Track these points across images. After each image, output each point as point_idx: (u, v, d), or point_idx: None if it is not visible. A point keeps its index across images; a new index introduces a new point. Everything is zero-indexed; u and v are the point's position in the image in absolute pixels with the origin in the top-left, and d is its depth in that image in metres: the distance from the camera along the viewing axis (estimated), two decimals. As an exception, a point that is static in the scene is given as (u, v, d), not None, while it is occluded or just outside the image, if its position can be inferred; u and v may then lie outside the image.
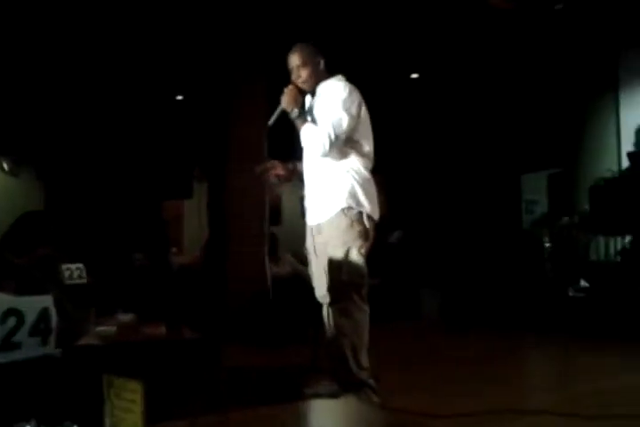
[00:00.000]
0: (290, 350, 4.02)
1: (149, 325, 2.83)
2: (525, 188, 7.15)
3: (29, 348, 1.43)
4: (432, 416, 2.40)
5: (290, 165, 2.81)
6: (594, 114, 6.49)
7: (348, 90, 2.60)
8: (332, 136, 2.52)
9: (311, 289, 2.72)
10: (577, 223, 5.73)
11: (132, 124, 8.06)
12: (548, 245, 5.83)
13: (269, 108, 2.82)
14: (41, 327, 1.44)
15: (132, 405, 1.25)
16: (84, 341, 2.33)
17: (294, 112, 2.65)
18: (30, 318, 1.42)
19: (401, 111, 7.62)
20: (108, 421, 1.33)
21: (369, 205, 2.59)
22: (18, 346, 1.43)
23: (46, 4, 5.06)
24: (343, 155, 2.61)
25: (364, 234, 2.57)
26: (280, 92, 2.70)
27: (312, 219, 2.70)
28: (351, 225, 2.55)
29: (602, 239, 5.69)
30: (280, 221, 7.69)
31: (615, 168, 5.86)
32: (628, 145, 5.96)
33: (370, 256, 2.63)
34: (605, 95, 6.39)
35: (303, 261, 3.69)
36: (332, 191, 2.60)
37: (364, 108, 2.65)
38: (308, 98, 2.78)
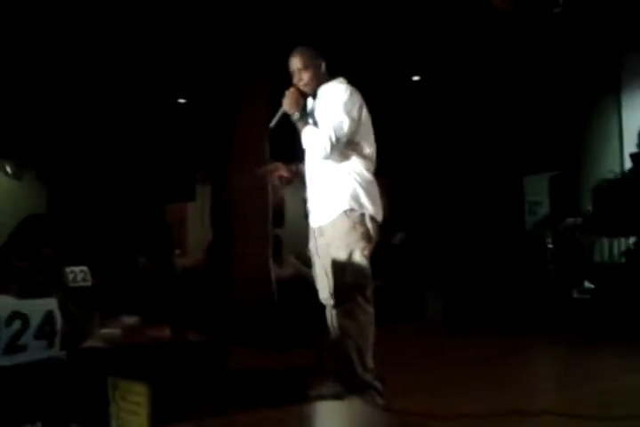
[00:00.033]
0: (294, 353, 4.02)
1: (154, 327, 2.83)
2: (528, 189, 7.15)
3: (35, 351, 1.44)
4: (436, 418, 2.40)
5: (293, 167, 2.82)
6: (596, 116, 6.48)
7: (348, 92, 2.61)
8: (333, 139, 2.53)
9: (315, 291, 2.72)
10: (580, 225, 5.72)
11: (134, 127, 8.08)
12: (551, 246, 5.82)
13: (271, 109, 2.83)
14: (46, 330, 1.45)
15: (138, 407, 1.26)
16: (88, 343, 2.34)
17: (295, 115, 2.66)
18: (35, 321, 1.43)
19: (403, 114, 7.63)
20: (113, 423, 1.33)
21: (371, 207, 2.59)
22: (23, 349, 1.43)
23: (50, 8, 5.08)
24: (344, 157, 2.62)
25: (367, 236, 2.57)
26: (282, 94, 2.71)
27: (315, 221, 2.71)
28: (353, 227, 2.55)
29: (605, 240, 5.68)
30: (283, 223, 7.70)
31: (618, 169, 5.85)
32: (630, 146, 5.95)
33: (373, 258, 2.64)
34: (608, 97, 6.39)
35: (307, 262, 3.70)
36: (334, 193, 2.60)
37: (364, 111, 2.66)
38: (309, 100, 2.78)
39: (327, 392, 2.55)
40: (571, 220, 5.85)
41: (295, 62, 2.71)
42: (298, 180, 2.87)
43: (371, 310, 2.57)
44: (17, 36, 5.62)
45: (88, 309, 2.62)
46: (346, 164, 2.62)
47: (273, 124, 2.72)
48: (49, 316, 1.45)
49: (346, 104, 2.57)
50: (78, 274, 2.77)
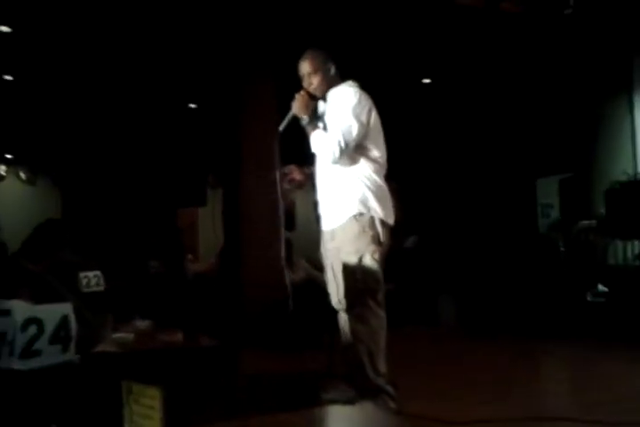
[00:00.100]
0: (306, 356, 4.01)
1: (166, 331, 2.84)
2: (541, 192, 7.10)
3: (50, 355, 1.45)
4: (449, 423, 2.39)
5: (306, 169, 2.82)
6: (608, 117, 6.43)
7: (357, 96, 2.61)
8: (342, 144, 2.53)
9: (326, 295, 2.72)
10: (594, 227, 5.68)
11: (146, 132, 8.14)
12: (564, 249, 5.78)
13: (280, 111, 2.84)
14: (61, 335, 1.46)
15: (151, 411, 1.26)
16: (101, 347, 2.35)
17: (305, 119, 2.66)
18: (50, 326, 1.44)
19: (414, 116, 7.62)
20: (126, 426, 1.34)
21: (381, 211, 2.59)
22: (38, 354, 1.45)
23: (64, 19, 5.14)
24: (354, 161, 2.61)
25: (377, 239, 2.57)
26: (290, 95, 2.71)
27: (326, 225, 2.71)
28: (363, 231, 2.55)
29: (619, 243, 5.63)
30: (294, 226, 7.70)
31: (631, 171, 5.80)
32: (643, 148, 5.91)
33: (385, 261, 2.63)
34: (620, 98, 6.34)
35: (318, 266, 3.70)
36: (344, 198, 2.60)
37: (374, 114, 2.65)
38: (320, 103, 2.79)
39: (339, 396, 2.54)
40: (584, 222, 5.80)
41: (305, 66, 2.72)
42: (309, 183, 2.88)
43: (382, 314, 2.56)
44: (31, 44, 5.69)
45: (101, 313, 2.64)
46: (355, 168, 2.62)
47: (282, 127, 2.73)
48: (64, 321, 1.47)
49: (355, 108, 2.57)
50: (92, 279, 2.79)
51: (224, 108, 5.48)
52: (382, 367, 2.53)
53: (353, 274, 2.53)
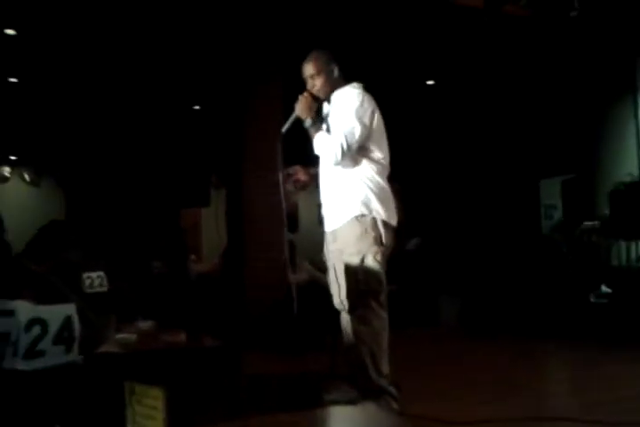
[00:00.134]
0: (308, 357, 4.02)
1: (169, 332, 2.85)
2: (544, 193, 7.09)
3: (53, 356, 1.46)
4: (450, 423, 2.39)
5: (311, 170, 2.83)
6: (613, 118, 6.42)
7: (360, 98, 2.61)
8: (345, 146, 2.54)
9: (329, 296, 2.73)
10: (597, 228, 5.67)
11: (150, 133, 8.16)
12: (567, 250, 5.77)
13: (284, 111, 2.84)
14: (64, 336, 1.47)
15: (154, 411, 1.27)
16: (104, 348, 2.36)
17: (308, 121, 2.67)
18: (54, 326, 1.45)
19: (417, 118, 7.62)
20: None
21: (384, 212, 2.59)
22: (42, 354, 1.45)
23: (68, 20, 5.16)
24: (356, 163, 2.62)
25: (379, 240, 2.57)
26: (295, 95, 2.72)
27: (328, 225, 2.72)
28: (365, 232, 2.56)
29: (623, 244, 5.61)
30: (297, 228, 7.70)
31: (635, 172, 5.79)
32: (647, 149, 5.90)
33: (388, 263, 2.64)
34: (624, 99, 6.32)
35: (321, 268, 3.70)
36: (346, 199, 2.61)
37: (377, 116, 2.66)
38: (325, 104, 2.79)
39: (342, 397, 2.55)
40: (588, 223, 5.79)
41: (308, 68, 2.73)
42: (312, 184, 2.88)
43: (384, 315, 2.57)
44: (35, 47, 5.72)
45: (104, 314, 2.65)
46: (357, 169, 2.62)
47: (285, 128, 2.74)
48: (67, 321, 1.47)
49: (357, 111, 2.58)
50: (95, 279, 2.81)
51: (227, 109, 5.50)
52: (385, 368, 2.54)
53: (355, 275, 2.54)
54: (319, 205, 2.81)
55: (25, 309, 1.44)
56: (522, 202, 7.12)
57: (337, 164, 2.61)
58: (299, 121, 2.71)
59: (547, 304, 5.44)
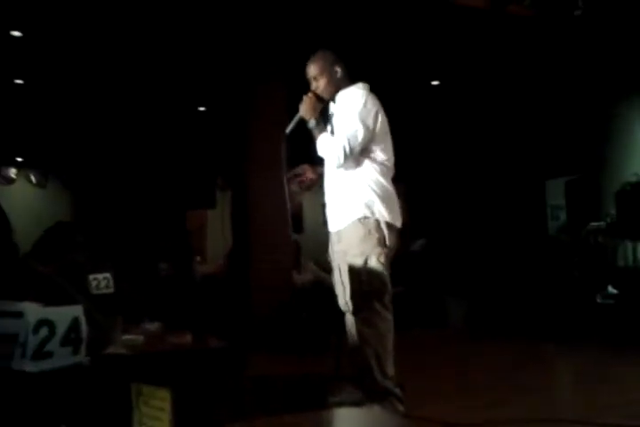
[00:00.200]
0: (313, 359, 4.02)
1: (175, 333, 2.86)
2: (550, 194, 7.07)
3: (61, 357, 1.47)
4: (456, 425, 2.39)
5: (319, 169, 2.83)
6: (619, 118, 6.40)
7: (364, 100, 2.61)
8: (347, 149, 2.54)
9: (333, 297, 2.73)
10: (603, 229, 5.65)
11: (156, 135, 8.19)
12: (574, 251, 5.75)
13: (288, 111, 2.84)
14: (72, 337, 1.47)
15: (161, 413, 1.28)
16: (111, 350, 2.37)
17: (312, 122, 2.67)
18: (62, 328, 1.45)
19: (422, 118, 7.61)
20: (136, 428, 1.36)
21: (388, 214, 2.59)
22: (49, 356, 1.46)
23: (75, 21, 5.18)
24: (360, 164, 2.62)
25: (383, 242, 2.57)
26: (299, 96, 2.72)
27: (332, 226, 2.72)
28: (369, 233, 2.56)
29: (629, 245, 5.60)
30: (302, 229, 7.72)
31: (641, 173, 5.77)
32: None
33: (394, 264, 2.64)
34: (630, 99, 6.31)
35: (326, 269, 3.71)
36: (349, 201, 2.61)
37: (381, 117, 2.65)
38: (331, 105, 2.79)
39: (347, 399, 2.55)
40: (594, 224, 5.78)
41: (311, 70, 2.73)
42: (317, 185, 2.88)
43: (389, 316, 2.56)
44: (41, 49, 5.75)
45: (111, 315, 2.66)
46: (361, 171, 2.62)
47: (289, 129, 2.74)
48: (75, 323, 1.48)
49: (361, 112, 2.58)
50: (101, 281, 2.81)
51: (233, 110, 5.51)
52: (390, 370, 2.53)
53: (358, 276, 2.54)
54: (324, 206, 2.81)
55: (33, 310, 1.45)
56: (528, 203, 7.10)
57: (339, 166, 2.61)
58: (303, 122, 2.72)
59: (553, 305, 5.43)
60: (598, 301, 5.21)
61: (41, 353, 1.43)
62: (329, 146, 2.60)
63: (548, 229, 6.97)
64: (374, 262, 2.55)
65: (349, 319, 2.62)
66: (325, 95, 2.72)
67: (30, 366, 1.42)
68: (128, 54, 5.95)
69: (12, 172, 8.65)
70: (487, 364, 4.06)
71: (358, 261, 2.55)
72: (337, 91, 2.72)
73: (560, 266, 5.84)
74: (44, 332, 1.43)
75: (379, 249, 2.56)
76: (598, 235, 5.69)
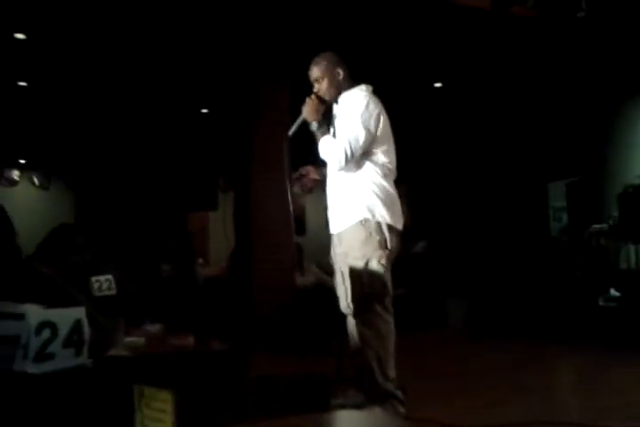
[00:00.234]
0: (315, 360, 4.02)
1: (177, 335, 2.86)
2: (552, 195, 7.06)
3: (63, 359, 1.47)
4: (458, 427, 2.39)
5: (323, 170, 2.83)
6: (621, 120, 6.40)
7: (366, 102, 2.61)
8: (349, 152, 2.54)
9: (335, 299, 2.73)
10: (606, 231, 5.64)
11: (158, 137, 8.20)
12: (576, 253, 5.75)
13: (292, 113, 2.85)
14: (74, 339, 1.48)
15: (163, 415, 1.28)
16: (113, 351, 2.37)
17: (314, 124, 2.68)
18: (64, 330, 1.46)
19: (425, 120, 7.62)
20: (138, 430, 1.36)
21: (389, 216, 2.59)
22: (52, 357, 1.47)
23: (78, 24, 5.20)
24: (361, 166, 2.62)
25: (384, 244, 2.57)
26: (302, 97, 2.73)
27: (333, 228, 2.73)
28: (370, 236, 2.56)
29: (632, 247, 5.58)
30: (304, 231, 7.72)
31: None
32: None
33: (395, 266, 2.64)
34: (633, 100, 6.30)
35: (328, 271, 3.71)
36: (351, 203, 2.61)
37: (383, 119, 2.65)
38: (334, 106, 2.80)
39: (349, 401, 2.56)
40: (597, 226, 5.77)
41: (313, 72, 2.74)
42: (319, 187, 2.89)
43: (390, 319, 2.57)
44: (44, 51, 5.77)
45: (113, 317, 2.66)
46: (362, 173, 2.62)
47: (292, 131, 2.74)
48: (77, 325, 1.49)
49: (362, 115, 2.58)
50: (103, 283, 2.82)
51: (235, 111, 5.52)
52: (391, 372, 2.54)
53: (359, 278, 2.54)
54: (326, 208, 2.81)
55: (35, 312, 1.45)
56: (530, 204, 7.09)
57: (341, 169, 2.61)
58: (306, 124, 2.72)
59: (555, 307, 5.42)
60: (600, 303, 5.20)
61: (43, 355, 1.44)
62: (331, 149, 2.61)
63: (550, 231, 6.96)
64: (375, 265, 2.55)
65: (351, 322, 2.62)
66: (328, 97, 2.73)
67: (32, 368, 1.43)
68: (131, 57, 5.96)
69: (15, 174, 8.67)
70: (487, 364, 4.06)
71: (359, 264, 2.55)
72: (339, 93, 2.72)
73: (562, 268, 5.84)
74: (46, 334, 1.44)
75: (380, 251, 2.56)
76: (600, 237, 5.68)
